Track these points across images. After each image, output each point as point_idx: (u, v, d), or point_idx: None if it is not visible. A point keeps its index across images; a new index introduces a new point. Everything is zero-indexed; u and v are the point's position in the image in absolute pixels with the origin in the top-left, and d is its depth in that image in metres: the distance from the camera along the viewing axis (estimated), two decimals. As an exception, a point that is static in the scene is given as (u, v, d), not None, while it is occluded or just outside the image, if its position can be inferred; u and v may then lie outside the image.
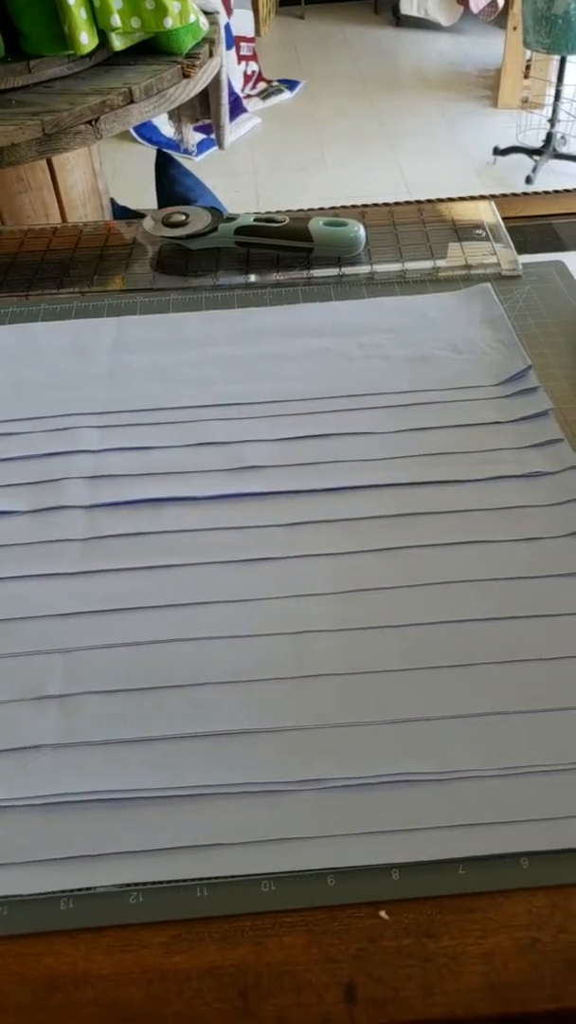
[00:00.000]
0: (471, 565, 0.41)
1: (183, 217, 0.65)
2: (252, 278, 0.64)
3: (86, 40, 0.98)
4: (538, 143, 2.69)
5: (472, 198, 0.73)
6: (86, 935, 0.31)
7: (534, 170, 2.65)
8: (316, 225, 0.64)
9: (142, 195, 1.85)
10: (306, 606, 0.40)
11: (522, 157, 2.71)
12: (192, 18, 1.07)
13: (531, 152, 2.68)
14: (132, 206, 1.64)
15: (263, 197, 2.65)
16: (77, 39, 0.97)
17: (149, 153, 2.18)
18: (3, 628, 0.40)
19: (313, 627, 0.39)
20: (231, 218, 0.65)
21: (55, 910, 0.31)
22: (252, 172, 2.81)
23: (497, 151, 2.75)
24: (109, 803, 0.34)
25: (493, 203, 0.70)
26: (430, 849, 0.32)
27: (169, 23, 1.03)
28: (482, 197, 0.70)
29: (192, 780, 0.34)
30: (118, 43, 1.04)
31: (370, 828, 0.32)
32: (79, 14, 0.96)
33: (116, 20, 1.00)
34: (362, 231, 0.64)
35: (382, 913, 0.31)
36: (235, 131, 2.94)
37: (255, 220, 0.64)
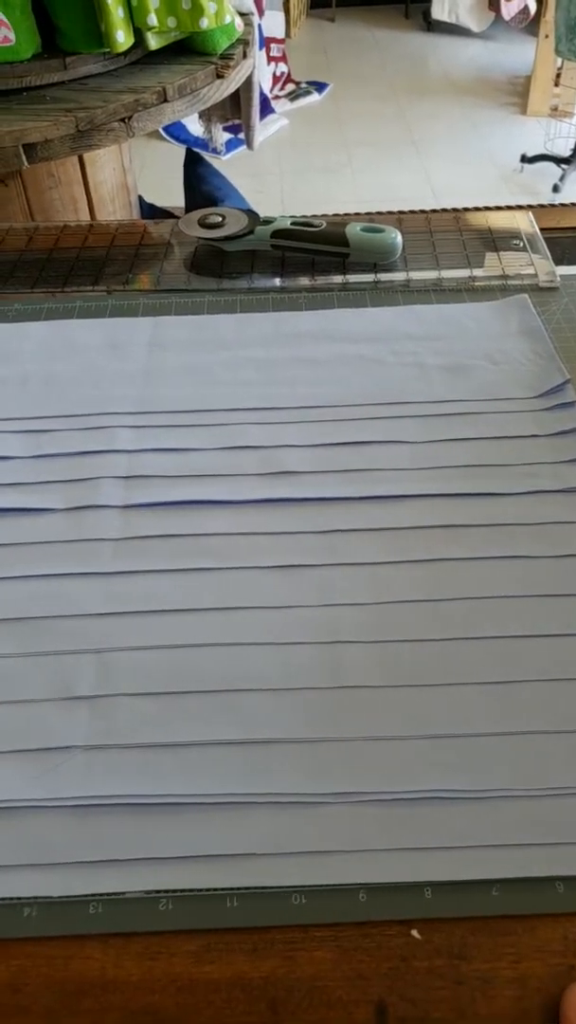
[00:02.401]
0: (507, 580, 0.41)
1: (219, 218, 0.65)
2: (287, 282, 0.63)
3: (122, 38, 0.98)
4: (567, 152, 2.68)
5: (509, 207, 0.72)
6: (115, 940, 0.31)
7: (561, 179, 2.64)
8: (353, 230, 0.63)
9: (169, 192, 1.86)
10: (341, 615, 0.40)
11: (549, 165, 2.69)
12: (227, 19, 1.07)
13: (559, 160, 2.67)
14: (159, 203, 1.64)
15: (288, 198, 2.65)
16: (114, 37, 0.97)
17: (177, 151, 2.19)
18: (35, 626, 0.40)
19: (348, 637, 0.39)
20: (268, 221, 0.65)
21: (84, 914, 0.31)
22: (278, 173, 2.81)
23: (524, 159, 2.74)
24: (140, 807, 0.33)
25: (531, 214, 0.69)
26: (464, 868, 0.31)
27: (205, 23, 1.03)
28: (519, 207, 0.69)
29: (224, 788, 0.34)
30: (154, 42, 1.05)
31: (404, 844, 0.32)
32: (116, 12, 0.96)
33: (153, 19, 1.00)
34: (399, 238, 0.64)
35: (414, 932, 0.30)
36: (263, 131, 2.94)
37: (292, 224, 0.64)
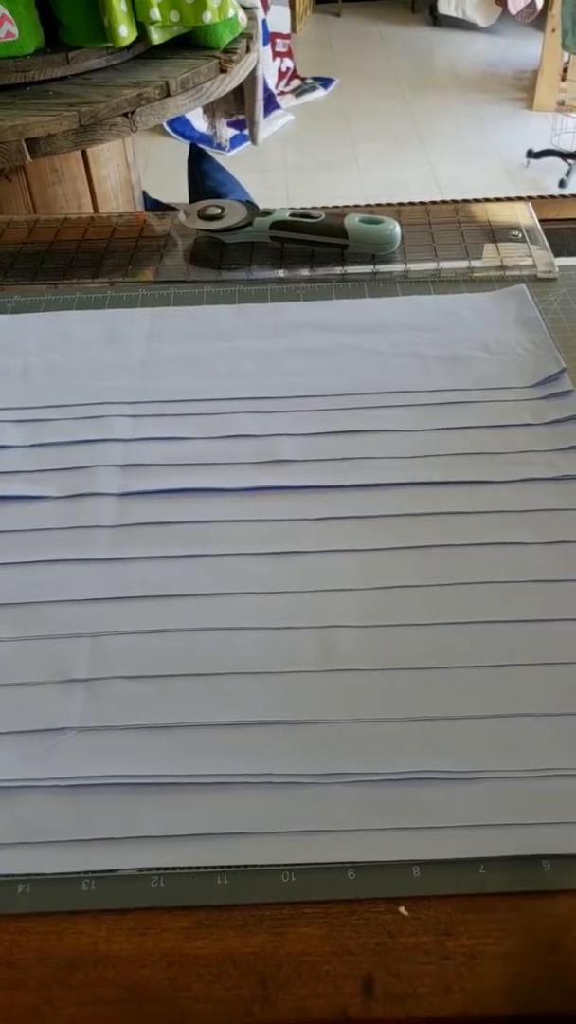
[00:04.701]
0: (499, 566, 0.41)
1: (219, 210, 0.66)
2: (286, 273, 0.64)
3: (125, 33, 0.99)
4: (573, 146, 2.67)
5: (508, 199, 0.72)
6: (108, 916, 0.31)
7: (568, 174, 2.63)
8: (352, 222, 0.63)
9: (173, 188, 1.86)
10: (332, 601, 0.40)
11: (556, 160, 2.68)
12: (231, 13, 1.07)
13: (565, 155, 2.66)
14: (164, 199, 1.64)
15: (293, 194, 2.65)
16: (116, 32, 0.97)
17: (181, 147, 2.19)
18: (32, 611, 0.40)
19: (339, 622, 0.39)
20: (267, 213, 0.65)
21: (78, 890, 0.32)
22: (283, 169, 2.81)
23: (531, 154, 2.73)
24: (132, 787, 0.34)
25: (530, 205, 0.69)
26: (452, 847, 0.32)
27: (208, 17, 1.04)
28: (519, 198, 0.69)
29: (215, 768, 0.34)
30: (156, 36, 1.05)
31: (392, 824, 0.32)
32: (119, 7, 0.96)
33: (155, 13, 1.00)
34: (398, 229, 0.64)
35: (401, 909, 0.31)
36: (268, 127, 2.94)
37: (291, 215, 0.64)
